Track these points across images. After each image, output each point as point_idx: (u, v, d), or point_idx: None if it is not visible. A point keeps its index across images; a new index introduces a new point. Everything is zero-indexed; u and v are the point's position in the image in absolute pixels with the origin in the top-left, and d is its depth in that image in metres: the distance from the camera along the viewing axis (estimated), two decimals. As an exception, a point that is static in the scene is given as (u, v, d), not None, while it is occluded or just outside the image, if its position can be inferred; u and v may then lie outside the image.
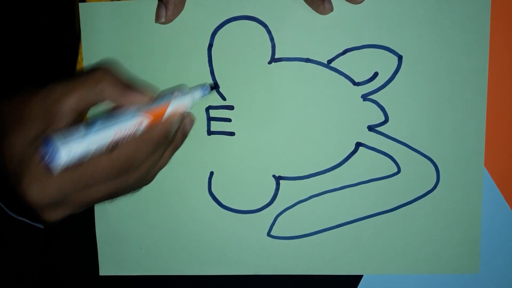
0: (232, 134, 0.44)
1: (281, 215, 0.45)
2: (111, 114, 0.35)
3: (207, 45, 0.43)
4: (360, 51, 0.42)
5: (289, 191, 0.44)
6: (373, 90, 0.43)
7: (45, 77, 0.47)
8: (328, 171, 0.44)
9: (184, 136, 0.40)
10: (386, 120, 0.43)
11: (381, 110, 0.43)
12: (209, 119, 0.44)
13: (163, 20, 0.41)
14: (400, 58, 0.42)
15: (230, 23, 0.42)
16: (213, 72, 0.43)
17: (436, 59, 0.42)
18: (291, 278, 0.46)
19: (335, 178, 0.44)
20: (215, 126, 0.44)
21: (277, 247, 0.45)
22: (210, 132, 0.44)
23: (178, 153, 0.44)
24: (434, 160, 0.43)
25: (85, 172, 0.33)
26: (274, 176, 0.44)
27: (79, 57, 0.44)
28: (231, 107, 0.44)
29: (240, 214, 0.45)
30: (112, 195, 0.37)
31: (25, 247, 0.55)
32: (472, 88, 0.42)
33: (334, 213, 0.44)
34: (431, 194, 0.44)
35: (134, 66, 0.43)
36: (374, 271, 0.45)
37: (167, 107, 0.36)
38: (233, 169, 0.44)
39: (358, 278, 0.46)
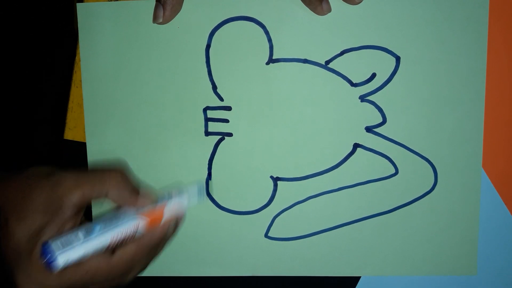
0: (230, 135, 0.44)
1: (279, 216, 0.45)
2: (110, 216, 0.38)
3: (205, 46, 0.43)
4: (358, 52, 0.42)
5: (287, 192, 0.44)
6: (371, 91, 0.42)
7: (43, 77, 0.47)
8: (326, 172, 0.44)
9: (176, 229, 0.41)
10: (384, 121, 0.43)
11: (379, 111, 0.43)
12: (207, 119, 0.44)
13: (161, 20, 0.41)
14: (398, 59, 0.42)
15: (228, 24, 0.42)
16: (211, 73, 0.43)
17: (434, 60, 0.42)
18: (289, 279, 0.46)
19: (333, 179, 0.44)
20: (213, 127, 0.44)
21: (275, 248, 0.45)
22: (207, 133, 0.44)
23: (175, 154, 0.44)
24: (432, 162, 0.43)
25: (84, 277, 0.36)
26: (271, 177, 0.44)
27: (76, 57, 0.44)
28: (228, 108, 0.43)
29: (238, 215, 0.45)
30: None
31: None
32: (470, 89, 0.42)
33: (332, 214, 0.44)
34: (429, 195, 0.44)
35: (132, 67, 0.43)
36: (372, 272, 0.45)
37: (164, 209, 0.39)
38: (230, 170, 0.44)
39: (355, 279, 0.46)
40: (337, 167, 0.44)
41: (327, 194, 0.44)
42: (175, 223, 0.40)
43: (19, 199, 0.35)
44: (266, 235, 0.45)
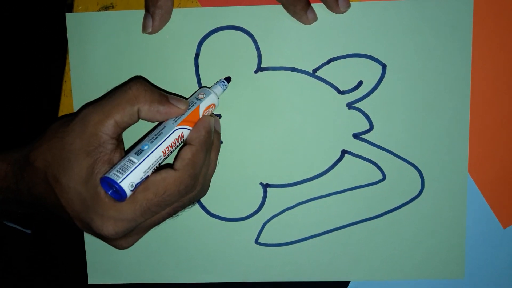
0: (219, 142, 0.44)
1: (269, 223, 0.45)
2: (152, 134, 0.37)
3: (193, 55, 0.43)
4: (344, 60, 0.43)
5: (277, 199, 0.45)
6: (358, 99, 0.43)
7: (33, 87, 0.47)
8: (315, 179, 0.44)
9: (219, 136, 0.41)
10: (371, 128, 0.43)
11: (366, 118, 0.43)
12: (197, 127, 0.44)
13: (150, 30, 0.42)
14: (384, 67, 0.43)
15: (217, 33, 0.43)
16: (200, 81, 0.43)
17: (420, 67, 0.42)
18: (279, 284, 0.46)
19: (322, 185, 0.44)
20: (203, 134, 0.44)
21: (265, 254, 0.45)
22: (197, 141, 0.44)
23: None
24: (419, 167, 0.44)
25: (155, 198, 0.35)
26: (261, 183, 0.45)
27: (66, 67, 0.44)
28: (218, 116, 0.44)
29: (228, 222, 0.45)
30: (177, 212, 0.38)
31: (13, 255, 0.55)
32: (456, 95, 0.43)
33: (321, 220, 0.45)
34: (416, 200, 0.44)
35: (121, 76, 0.44)
36: (361, 277, 0.46)
37: (199, 111, 0.38)
38: (220, 177, 0.44)
39: (345, 284, 0.46)
40: (325, 173, 0.44)
41: (316, 200, 0.45)
42: (213, 117, 0.39)
43: (57, 154, 0.34)
44: (256, 241, 0.45)
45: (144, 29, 0.42)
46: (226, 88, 0.41)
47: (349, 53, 0.42)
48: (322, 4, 0.41)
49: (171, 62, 0.43)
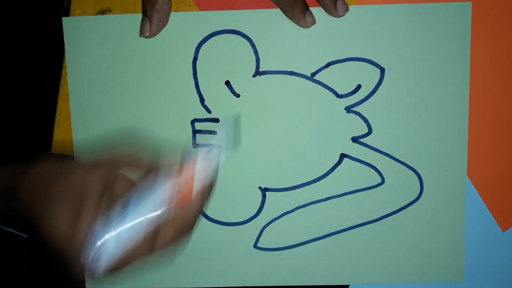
0: (218, 146, 0.44)
1: (268, 227, 0.45)
2: (143, 189, 0.36)
3: (191, 59, 0.43)
4: (343, 64, 0.42)
5: (275, 203, 0.45)
6: (357, 102, 0.43)
7: (29, 91, 0.47)
8: (314, 182, 0.44)
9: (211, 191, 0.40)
10: (369, 132, 0.43)
11: (364, 122, 0.43)
12: (195, 131, 0.44)
13: (148, 34, 0.41)
14: (382, 70, 0.42)
15: (215, 37, 0.43)
16: (198, 85, 0.43)
17: (418, 71, 0.42)
18: (278, 289, 0.46)
19: (321, 189, 0.44)
20: (201, 138, 0.44)
21: (264, 258, 0.45)
22: (195, 145, 0.44)
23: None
24: (418, 171, 0.44)
25: (131, 266, 0.35)
26: (260, 188, 0.45)
27: (63, 71, 0.44)
28: (216, 120, 0.44)
29: (227, 226, 0.45)
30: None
31: (9, 259, 0.55)
32: (454, 99, 0.43)
33: (320, 224, 0.45)
34: (415, 204, 0.44)
35: (119, 80, 0.43)
36: (360, 280, 0.45)
37: (194, 167, 0.37)
38: (219, 181, 0.44)
39: (344, 288, 0.46)
40: (324, 177, 0.44)
41: (315, 204, 0.45)
42: (209, 190, 0.38)
43: (44, 191, 0.35)
44: (255, 246, 0.45)
45: (142, 33, 0.42)
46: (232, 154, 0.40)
47: (348, 56, 0.42)
48: (320, 8, 0.41)
49: (169, 66, 0.43)
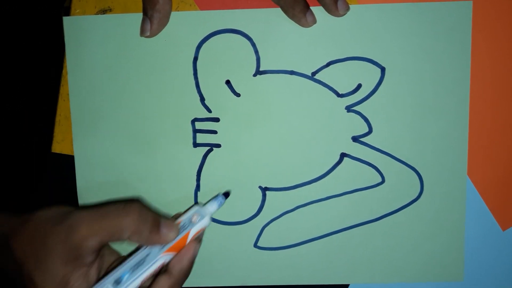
0: (218, 146, 0.44)
1: (268, 226, 0.45)
2: (135, 259, 0.36)
3: (192, 58, 0.43)
4: (343, 63, 0.42)
5: (276, 202, 0.45)
6: (357, 102, 0.43)
7: (30, 91, 0.47)
8: (314, 182, 0.44)
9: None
10: (370, 131, 0.43)
11: (365, 121, 0.43)
12: (195, 131, 0.44)
13: (148, 34, 0.41)
14: (383, 69, 0.42)
15: (215, 36, 0.43)
16: (199, 85, 0.43)
17: (419, 70, 0.42)
18: (279, 288, 0.46)
19: (321, 188, 0.44)
20: (201, 138, 0.44)
21: (264, 258, 0.45)
22: (196, 145, 0.44)
23: (164, 165, 0.44)
24: (418, 170, 0.44)
25: None
26: (260, 187, 0.45)
27: (63, 70, 0.44)
28: (216, 119, 0.44)
29: (227, 226, 0.45)
30: None
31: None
32: (455, 98, 0.43)
33: (320, 223, 0.45)
34: (415, 203, 0.44)
35: (119, 80, 0.43)
36: (360, 280, 0.45)
37: (188, 238, 0.37)
38: (219, 181, 0.44)
39: (344, 287, 0.46)
40: (324, 177, 0.44)
41: (315, 203, 0.45)
42: (199, 244, 0.39)
43: (37, 252, 0.34)
44: (255, 245, 0.45)
45: (142, 33, 0.42)
46: (222, 205, 0.41)
47: (348, 56, 0.42)
48: (321, 7, 0.41)
49: (169, 66, 0.43)
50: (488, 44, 0.43)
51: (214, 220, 0.45)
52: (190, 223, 0.38)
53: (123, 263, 0.36)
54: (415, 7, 0.42)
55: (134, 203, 0.36)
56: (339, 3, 0.40)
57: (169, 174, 0.44)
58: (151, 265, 0.36)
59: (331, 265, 0.45)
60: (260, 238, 0.45)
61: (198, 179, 0.44)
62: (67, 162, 0.45)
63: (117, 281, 0.35)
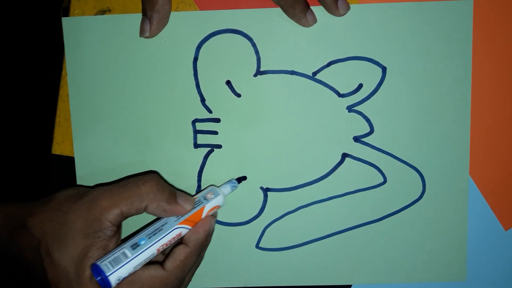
0: (219, 146, 0.44)
1: (269, 227, 0.45)
2: (152, 227, 0.37)
3: (192, 59, 0.43)
4: (344, 63, 0.42)
5: (277, 203, 0.44)
6: (358, 102, 0.43)
7: (30, 93, 0.47)
8: (315, 182, 0.44)
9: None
10: (371, 131, 0.43)
11: (366, 121, 0.43)
12: (196, 132, 0.44)
13: (148, 34, 0.41)
14: (384, 69, 0.42)
15: (215, 37, 0.42)
16: (199, 85, 0.43)
17: (420, 70, 0.42)
18: (280, 289, 0.46)
19: (323, 189, 0.44)
20: (202, 139, 0.44)
21: (266, 259, 0.45)
22: (196, 145, 0.44)
23: (165, 166, 0.44)
24: (420, 170, 0.44)
25: None
26: (261, 188, 0.44)
27: (63, 71, 0.44)
28: (217, 120, 0.44)
29: (229, 227, 0.45)
30: None
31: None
32: (456, 98, 0.43)
33: (322, 223, 0.45)
34: (417, 203, 0.44)
35: (119, 80, 0.43)
36: (363, 280, 0.45)
37: (203, 212, 0.39)
38: (220, 181, 0.44)
39: (346, 288, 0.46)
40: (326, 177, 0.44)
41: (316, 204, 0.44)
42: (214, 218, 0.40)
43: (57, 228, 0.35)
44: (257, 246, 0.45)
45: (142, 33, 0.42)
46: (236, 188, 0.42)
47: (349, 55, 0.42)
48: (321, 7, 0.41)
49: (169, 66, 0.43)
50: (489, 43, 0.43)
51: (216, 221, 0.45)
52: (205, 199, 0.39)
53: (141, 232, 0.37)
54: (416, 6, 0.41)
55: (151, 174, 0.38)
56: (340, 3, 0.40)
57: (170, 175, 0.44)
58: (168, 234, 0.37)
59: (333, 265, 0.45)
60: (262, 239, 0.45)
61: (199, 180, 0.44)
62: (67, 163, 0.44)
63: (135, 245, 0.36)
